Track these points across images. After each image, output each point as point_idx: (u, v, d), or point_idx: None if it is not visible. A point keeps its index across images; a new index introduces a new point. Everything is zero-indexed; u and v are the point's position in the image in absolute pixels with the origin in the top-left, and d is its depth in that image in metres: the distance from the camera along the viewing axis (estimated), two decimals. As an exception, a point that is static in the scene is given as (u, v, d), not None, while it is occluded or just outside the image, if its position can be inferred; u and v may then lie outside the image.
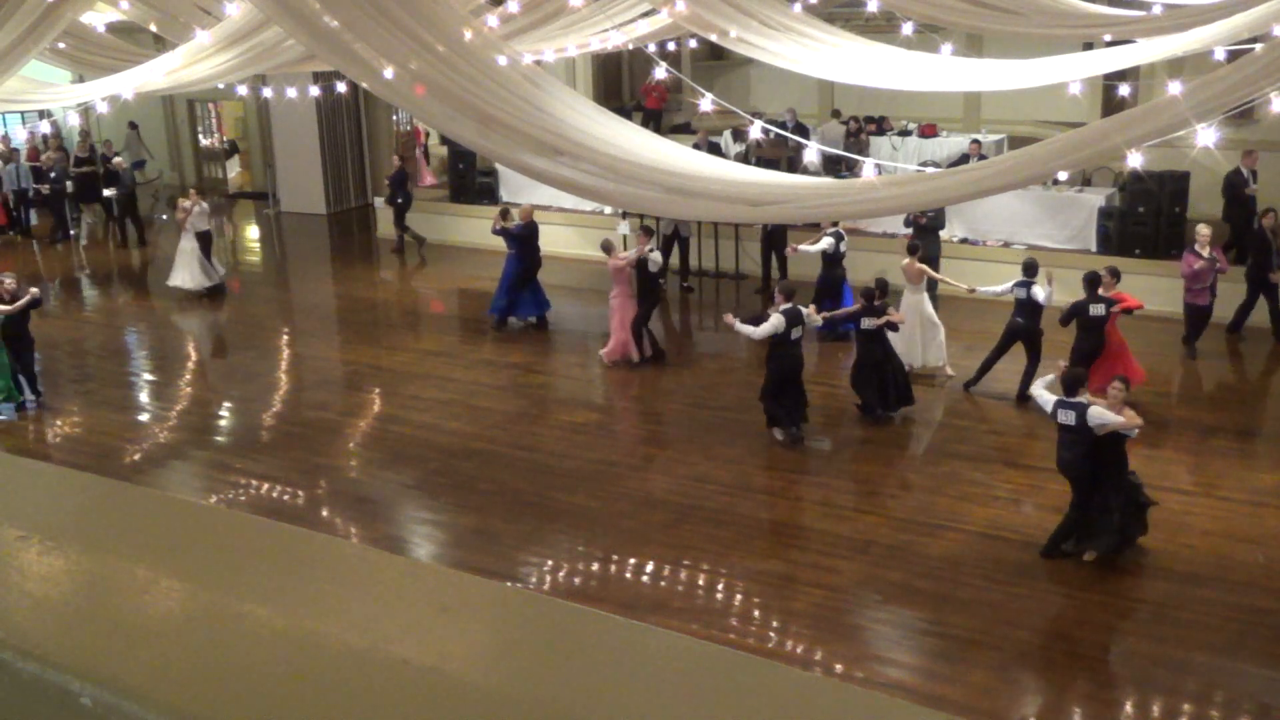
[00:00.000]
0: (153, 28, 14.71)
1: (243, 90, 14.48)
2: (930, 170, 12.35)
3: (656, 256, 14.41)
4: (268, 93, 16.08)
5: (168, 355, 16.44)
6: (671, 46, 18.52)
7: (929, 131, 20.02)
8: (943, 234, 15.92)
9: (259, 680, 1.15)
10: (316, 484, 11.58)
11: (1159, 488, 10.11)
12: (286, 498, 11.31)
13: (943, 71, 14.22)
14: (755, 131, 16.52)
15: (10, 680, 1.17)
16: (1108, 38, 13.66)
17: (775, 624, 8.88)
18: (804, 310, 11.90)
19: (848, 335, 13.40)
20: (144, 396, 14.44)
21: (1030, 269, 12.84)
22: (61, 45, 13.03)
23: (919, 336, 13.46)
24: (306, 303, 18.97)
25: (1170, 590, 9.10)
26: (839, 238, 15.00)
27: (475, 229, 19.79)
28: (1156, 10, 12.70)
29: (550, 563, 9.83)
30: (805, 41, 12.96)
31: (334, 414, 13.49)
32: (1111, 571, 9.32)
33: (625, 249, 18.26)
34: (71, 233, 22.74)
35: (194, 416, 13.68)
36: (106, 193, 21.86)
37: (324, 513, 11.02)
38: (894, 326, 12.30)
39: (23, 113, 22.78)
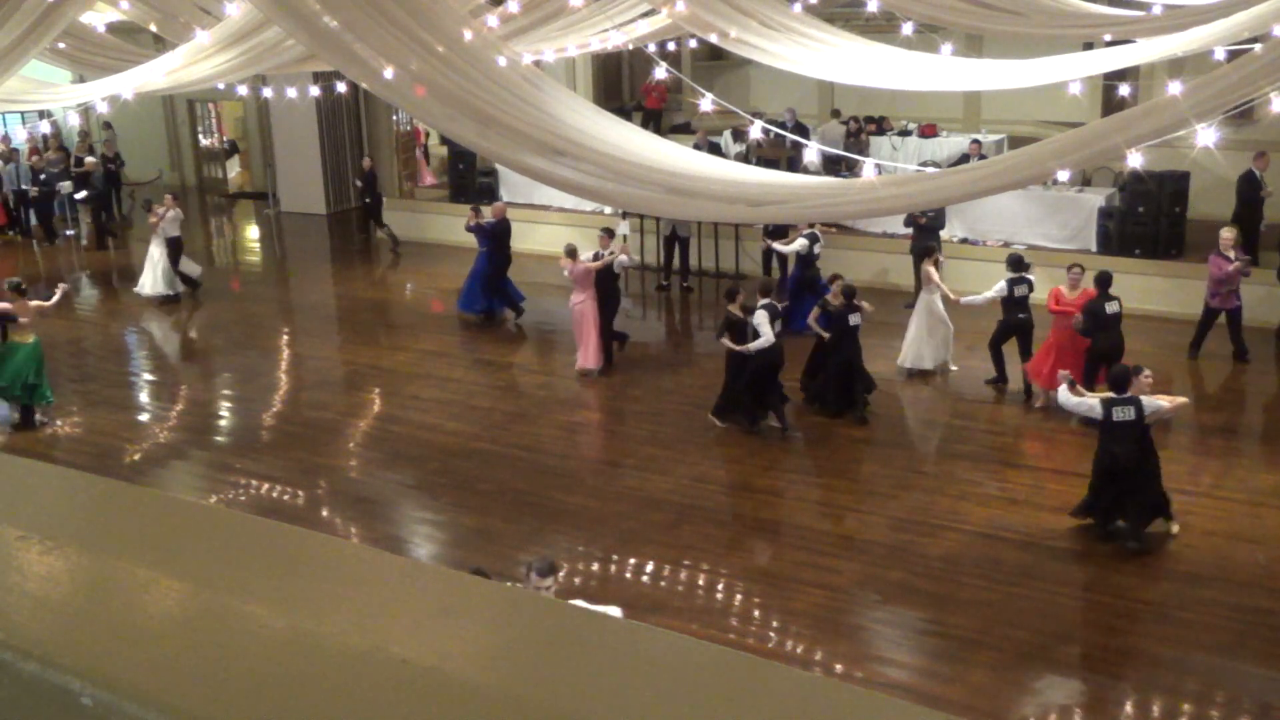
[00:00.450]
0: (153, 28, 14.70)
1: (243, 90, 14.48)
2: (930, 170, 12.35)
3: (624, 259, 14.29)
4: (268, 93, 16.09)
5: (167, 355, 16.45)
6: (671, 46, 18.51)
7: (929, 131, 20.02)
8: (943, 234, 15.93)
9: (259, 680, 1.15)
10: (316, 484, 11.58)
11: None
12: (286, 498, 11.31)
13: (943, 71, 14.22)
14: (755, 131, 16.53)
15: (10, 680, 1.17)
16: (1108, 38, 13.65)
17: (775, 624, 8.88)
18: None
19: (801, 333, 13.41)
20: (144, 396, 14.45)
21: (1019, 263, 12.91)
22: (61, 45, 13.02)
23: (927, 336, 13.48)
24: (306, 303, 18.97)
25: (1170, 590, 9.10)
26: (814, 239, 15.03)
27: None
28: (1156, 10, 12.70)
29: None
30: (805, 41, 12.95)
31: (334, 414, 13.49)
32: (1111, 571, 9.32)
33: (625, 249, 18.32)
34: (69, 233, 22.73)
35: (194, 416, 13.68)
36: (78, 196, 21.71)
37: (324, 513, 11.02)
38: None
39: (23, 113, 22.75)
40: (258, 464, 12.06)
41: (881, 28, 16.22)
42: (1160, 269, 15.04)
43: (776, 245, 15.39)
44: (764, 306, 11.83)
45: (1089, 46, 15.01)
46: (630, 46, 15.55)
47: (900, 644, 8.60)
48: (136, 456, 12.47)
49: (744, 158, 18.38)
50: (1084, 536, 9.82)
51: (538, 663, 1.20)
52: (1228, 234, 13.61)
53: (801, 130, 18.62)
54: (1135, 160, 8.02)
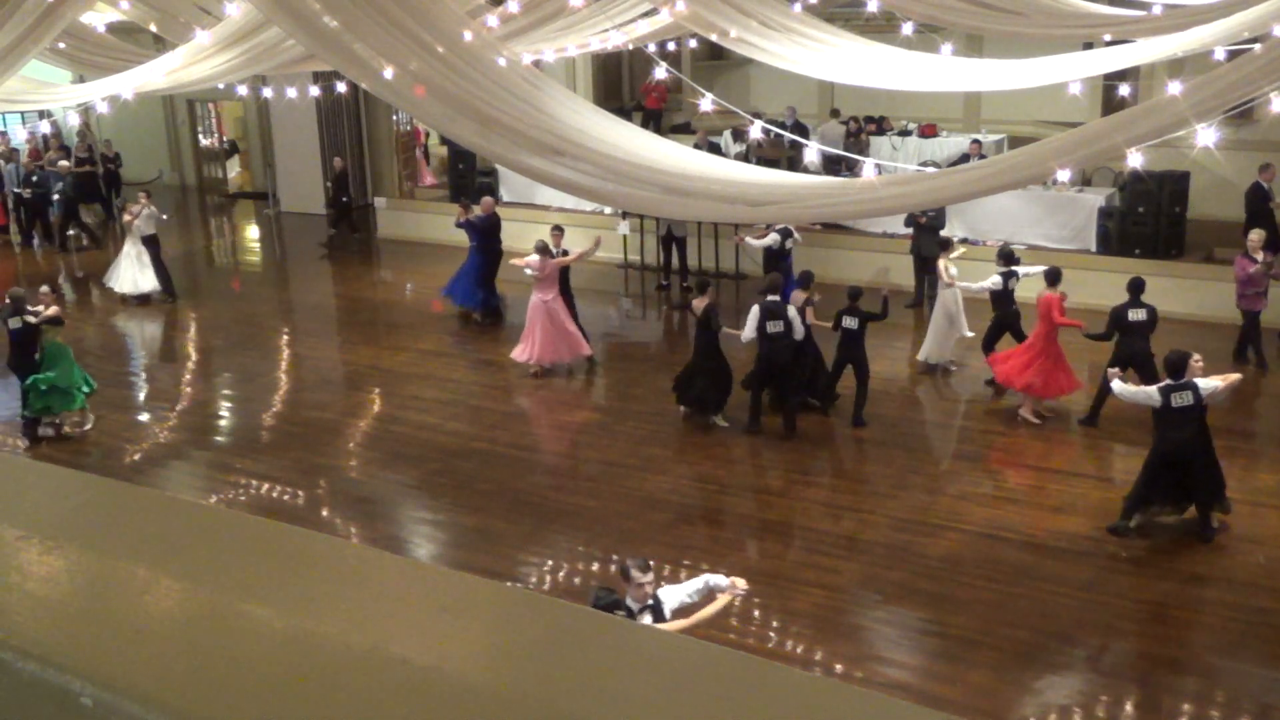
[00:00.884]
0: (153, 28, 14.71)
1: (243, 90, 14.46)
2: (930, 170, 12.35)
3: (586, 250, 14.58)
4: (268, 93, 16.08)
5: (167, 355, 16.45)
6: (671, 46, 18.51)
7: (929, 131, 20.02)
8: (943, 233, 15.93)
9: (259, 680, 1.15)
10: (316, 484, 11.58)
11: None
12: (286, 498, 11.31)
13: (943, 71, 14.21)
14: (755, 131, 16.53)
15: (10, 680, 1.17)
16: (1108, 38, 13.65)
17: (775, 624, 8.88)
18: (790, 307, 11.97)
19: None
20: (144, 396, 14.44)
21: (1010, 257, 12.96)
22: (61, 45, 13.02)
23: (946, 332, 13.52)
24: (306, 303, 18.97)
25: (1170, 590, 9.10)
26: (786, 234, 15.09)
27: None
28: (1156, 10, 12.70)
29: (550, 563, 9.83)
30: (805, 41, 12.95)
31: (334, 414, 13.49)
32: (1111, 572, 9.32)
33: (625, 249, 18.34)
34: (70, 233, 22.71)
35: (194, 416, 13.68)
36: (54, 196, 21.58)
37: (324, 513, 11.02)
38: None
39: (23, 113, 22.75)
40: (258, 464, 12.06)
41: (881, 28, 16.22)
42: (1160, 269, 15.03)
43: (749, 239, 15.49)
44: (761, 304, 11.90)
45: (1089, 46, 15.01)
46: (630, 46, 15.56)
47: (900, 644, 8.60)
48: (136, 456, 12.47)
49: (744, 157, 18.38)
50: (1084, 536, 9.82)
51: (538, 663, 1.20)
52: (1255, 236, 13.56)
53: (801, 130, 18.63)
54: (1135, 160, 8.02)
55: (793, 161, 17.98)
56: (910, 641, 8.61)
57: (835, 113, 20.47)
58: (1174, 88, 7.99)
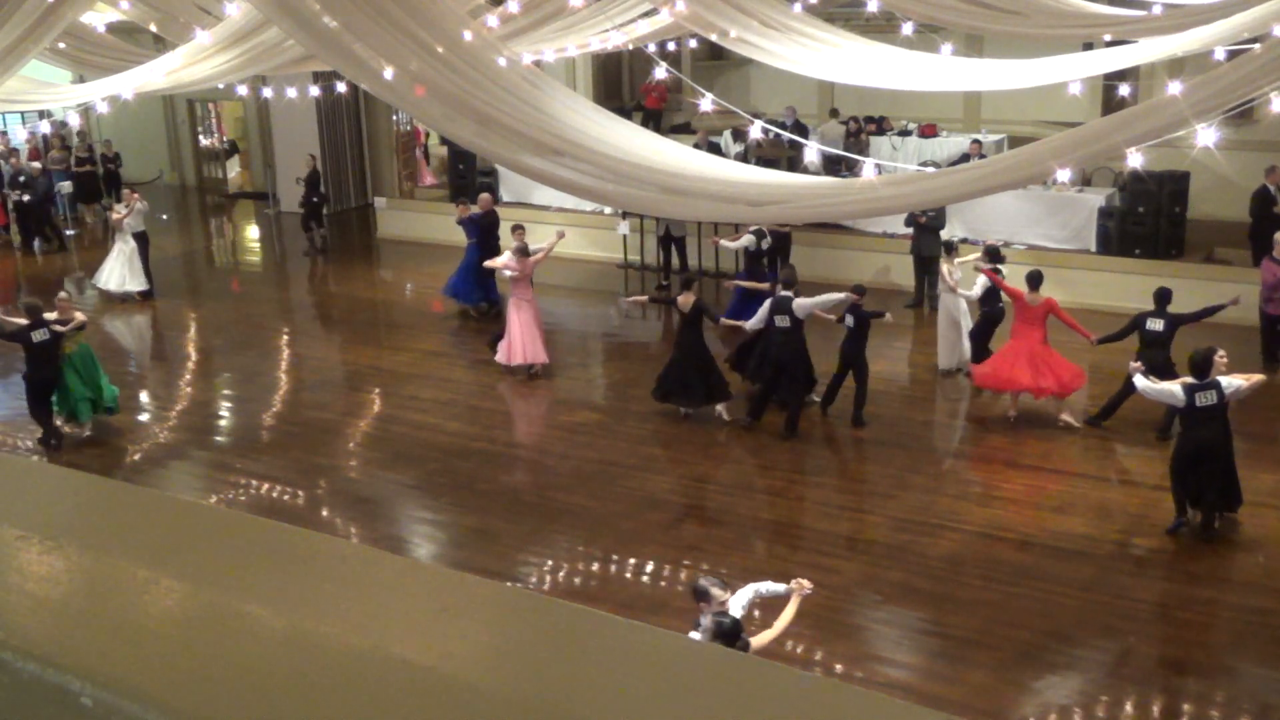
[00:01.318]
0: (153, 28, 14.71)
1: (243, 90, 14.48)
2: (930, 170, 12.35)
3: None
4: (268, 93, 16.08)
5: (167, 355, 16.44)
6: (671, 46, 18.52)
7: (929, 131, 20.01)
8: (943, 233, 15.93)
9: (259, 680, 1.15)
10: (316, 484, 11.58)
11: (1162, 488, 10.12)
12: (286, 498, 11.31)
13: (943, 71, 14.22)
14: (755, 131, 16.54)
15: (10, 680, 1.17)
16: (1108, 38, 13.66)
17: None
18: (798, 297, 11.96)
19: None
20: (144, 396, 14.43)
21: (997, 254, 12.97)
22: (61, 45, 13.02)
23: (953, 337, 13.48)
24: (306, 303, 18.97)
25: (1170, 590, 9.10)
26: (760, 235, 15.13)
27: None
28: (1156, 10, 12.70)
29: (550, 563, 9.83)
30: (805, 41, 12.96)
31: (334, 414, 13.49)
32: (1112, 571, 9.32)
33: (625, 249, 18.33)
34: (70, 233, 22.71)
35: (194, 416, 13.68)
36: (24, 198, 21.32)
37: (324, 513, 11.02)
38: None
39: (23, 113, 22.75)
40: (258, 464, 12.05)
41: (881, 28, 16.22)
42: (1160, 269, 15.02)
43: (723, 242, 15.53)
44: (774, 296, 12.04)
45: (1089, 46, 15.02)
46: (630, 46, 15.56)
47: (900, 644, 8.60)
48: (136, 456, 12.47)
49: (742, 157, 18.38)
50: (1084, 536, 9.81)
51: (538, 663, 1.20)
52: None
53: (801, 130, 18.62)
54: (1135, 160, 8.02)
55: (793, 161, 17.98)
56: (910, 641, 8.61)
57: (835, 113, 20.47)
58: (1174, 88, 8.00)
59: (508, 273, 14.01)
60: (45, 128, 23.01)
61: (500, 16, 11.83)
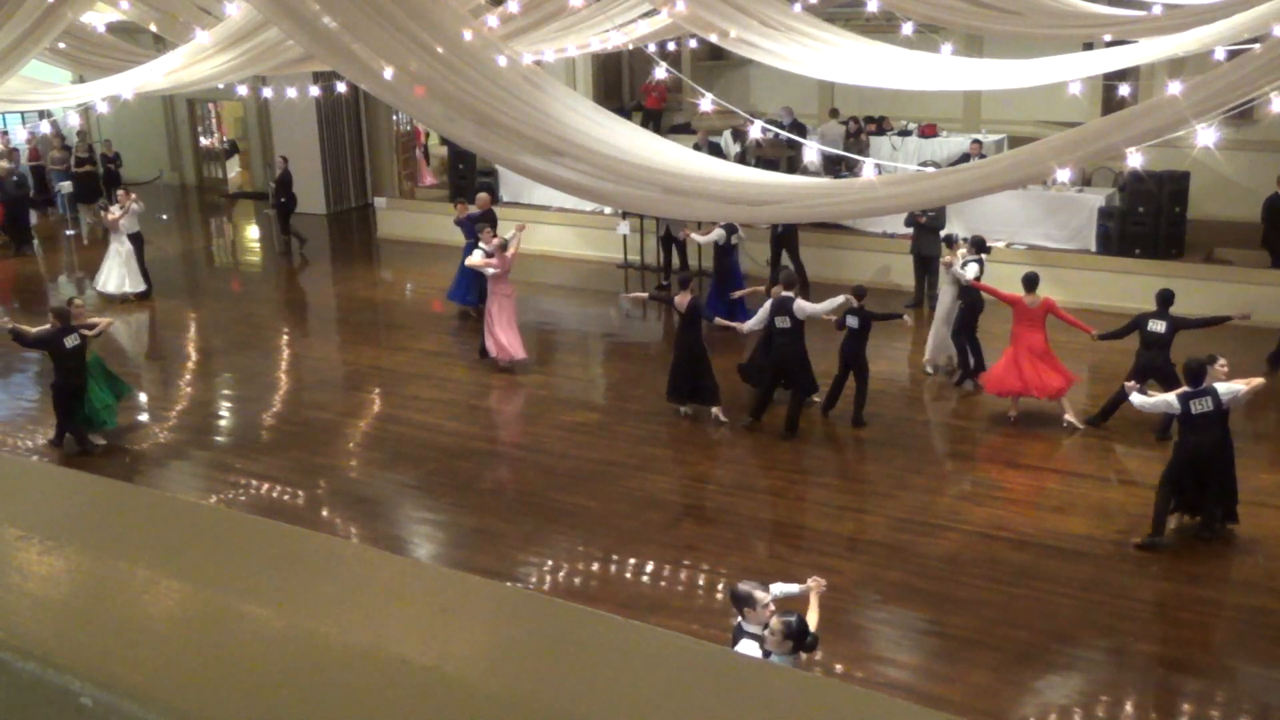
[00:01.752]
0: (153, 28, 14.72)
1: (243, 90, 14.48)
2: (930, 170, 12.35)
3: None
4: (268, 93, 16.09)
5: (167, 355, 16.44)
6: (671, 46, 18.52)
7: (929, 131, 20.01)
8: (943, 233, 15.93)
9: (259, 680, 1.15)
10: (316, 484, 11.58)
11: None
12: (286, 498, 11.31)
13: (943, 71, 14.22)
14: (755, 131, 16.54)
15: (10, 680, 1.17)
16: (1108, 38, 13.66)
17: (775, 624, 8.86)
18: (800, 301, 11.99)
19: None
20: (143, 397, 14.43)
21: (982, 244, 13.00)
22: (61, 45, 13.03)
23: (942, 332, 13.48)
24: (306, 303, 18.96)
25: (1170, 590, 9.10)
26: (730, 230, 15.20)
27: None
28: (1156, 10, 12.70)
29: (550, 563, 9.82)
30: (805, 41, 12.96)
31: (334, 414, 13.49)
32: (1111, 571, 9.32)
33: (625, 249, 18.33)
34: (70, 233, 22.71)
35: (194, 416, 13.68)
36: None
37: (324, 513, 11.02)
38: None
39: (23, 113, 22.74)
40: (258, 464, 12.05)
41: (881, 28, 16.22)
42: (1160, 269, 15.02)
43: (696, 235, 15.58)
44: (774, 298, 12.02)
45: (1089, 46, 15.02)
46: (630, 46, 15.56)
47: (900, 644, 8.59)
48: (137, 457, 12.46)
49: (742, 157, 18.38)
50: (1084, 536, 9.81)
51: (538, 663, 1.20)
52: None
53: (799, 129, 18.61)
54: (1135, 160, 8.02)
55: (793, 162, 17.98)
56: (910, 641, 8.61)
57: (835, 113, 20.47)
58: (1174, 88, 7.99)
59: (489, 270, 14.07)
60: (45, 127, 22.99)
61: (500, 16, 11.83)
